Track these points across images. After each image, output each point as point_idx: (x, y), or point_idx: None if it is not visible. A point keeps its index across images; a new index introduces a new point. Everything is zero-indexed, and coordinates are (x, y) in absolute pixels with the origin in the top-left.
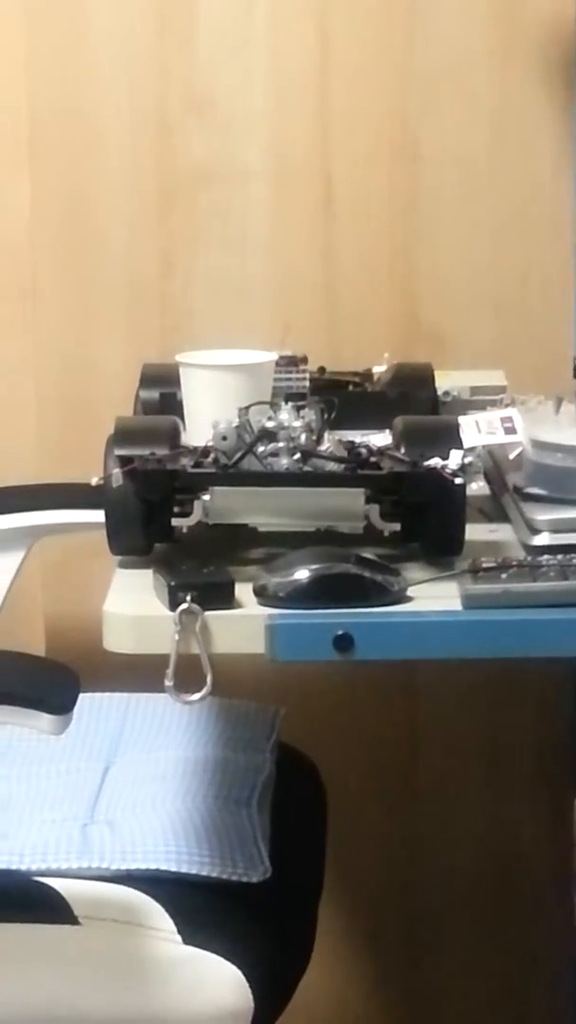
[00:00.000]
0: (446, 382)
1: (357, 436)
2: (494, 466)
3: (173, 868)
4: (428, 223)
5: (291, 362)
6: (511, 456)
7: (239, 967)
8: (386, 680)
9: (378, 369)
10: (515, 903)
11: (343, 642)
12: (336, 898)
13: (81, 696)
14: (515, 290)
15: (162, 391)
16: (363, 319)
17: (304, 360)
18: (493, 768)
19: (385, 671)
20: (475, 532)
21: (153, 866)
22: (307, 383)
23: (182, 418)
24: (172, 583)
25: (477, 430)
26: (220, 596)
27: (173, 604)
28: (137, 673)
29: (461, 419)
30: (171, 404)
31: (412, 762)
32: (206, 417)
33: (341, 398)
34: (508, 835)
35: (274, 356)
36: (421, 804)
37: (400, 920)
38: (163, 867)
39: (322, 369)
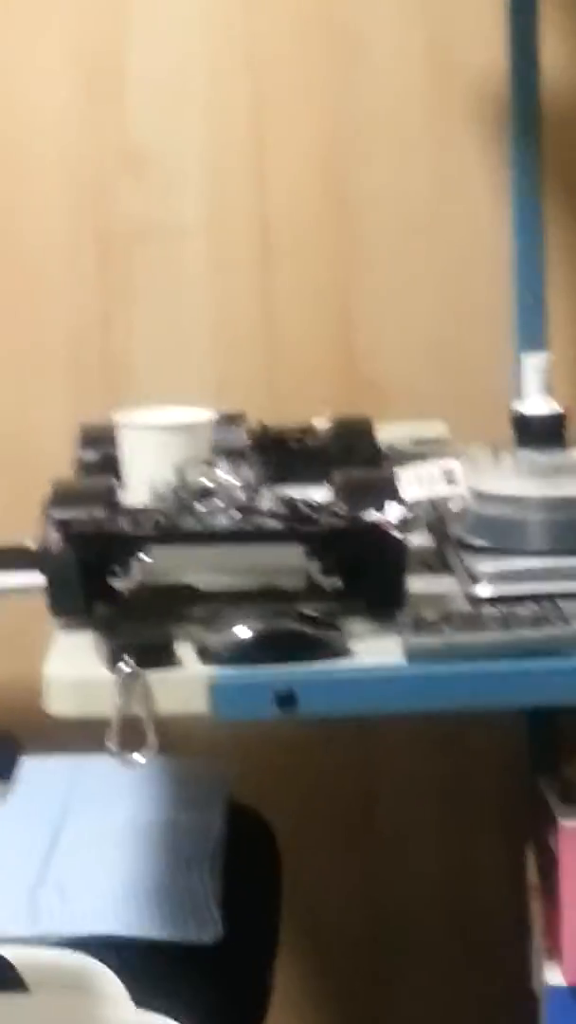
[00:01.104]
0: (387, 434)
1: (298, 491)
2: (436, 517)
3: (124, 932)
4: (366, 273)
5: (229, 419)
6: (453, 507)
7: None
8: (338, 733)
9: (319, 423)
10: (475, 953)
11: (286, 699)
12: (296, 955)
13: (28, 760)
14: (455, 339)
15: (101, 451)
16: (303, 372)
17: (242, 417)
18: (450, 817)
19: (336, 724)
20: (418, 584)
21: (104, 931)
22: (246, 439)
23: (120, 477)
24: (112, 644)
25: (418, 482)
26: (161, 656)
27: (113, 665)
28: (87, 734)
29: (402, 471)
30: (110, 463)
31: (368, 814)
32: (144, 476)
33: (282, 454)
34: (467, 885)
35: (211, 415)
36: (379, 857)
37: (361, 976)
38: (114, 931)
39: (263, 425)
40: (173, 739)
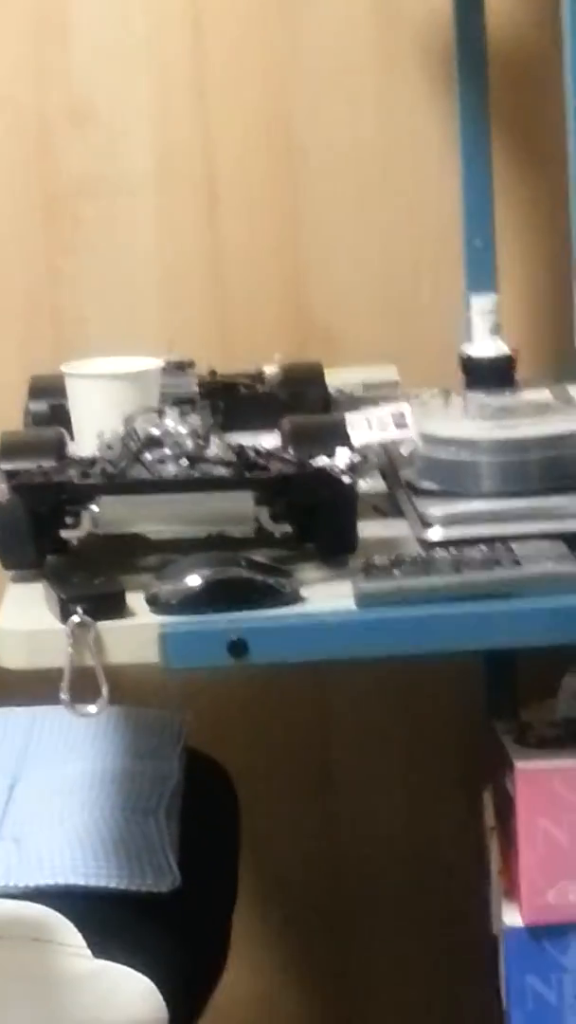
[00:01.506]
0: (337, 379)
1: (249, 438)
2: (388, 462)
3: (81, 882)
4: (316, 223)
5: (178, 367)
6: (404, 451)
7: (151, 978)
8: (293, 680)
9: (269, 370)
10: (435, 898)
11: (237, 647)
12: (255, 902)
13: None
14: (405, 286)
15: (51, 402)
16: (254, 321)
17: (191, 364)
18: (406, 761)
19: (291, 671)
20: (370, 529)
21: (61, 881)
22: (195, 388)
23: (71, 429)
24: (63, 595)
25: (368, 427)
26: (112, 606)
27: (64, 616)
28: (44, 686)
29: (352, 416)
30: (60, 415)
31: (324, 760)
32: (93, 427)
33: (231, 400)
34: (426, 830)
35: (159, 362)
36: (336, 802)
37: (322, 919)
38: (71, 882)
39: (213, 372)
40: (132, 689)
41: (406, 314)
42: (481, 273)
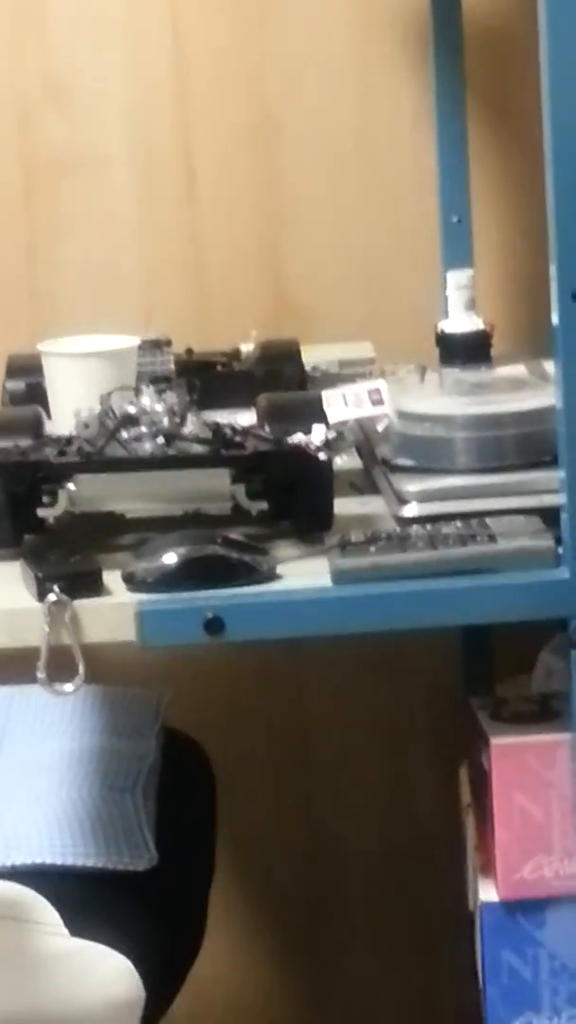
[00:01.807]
0: (314, 356)
1: (225, 416)
2: (364, 439)
3: (57, 861)
4: (293, 201)
5: (155, 345)
6: (379, 428)
7: (127, 956)
8: (270, 658)
9: (246, 347)
10: (412, 874)
11: (213, 624)
12: (233, 880)
13: None
14: (381, 261)
15: (28, 381)
16: (230, 299)
17: (168, 343)
18: (383, 738)
19: (268, 649)
20: (346, 506)
21: (37, 860)
22: (171, 366)
23: (48, 408)
24: (39, 574)
25: (344, 403)
26: (88, 585)
27: (41, 595)
28: (20, 665)
29: (328, 393)
30: (38, 394)
31: (301, 737)
32: (70, 405)
33: (208, 378)
34: (402, 805)
35: (136, 341)
36: (313, 780)
37: (299, 897)
38: (47, 860)
39: (189, 351)
40: (109, 668)
41: (382, 291)
42: (457, 248)
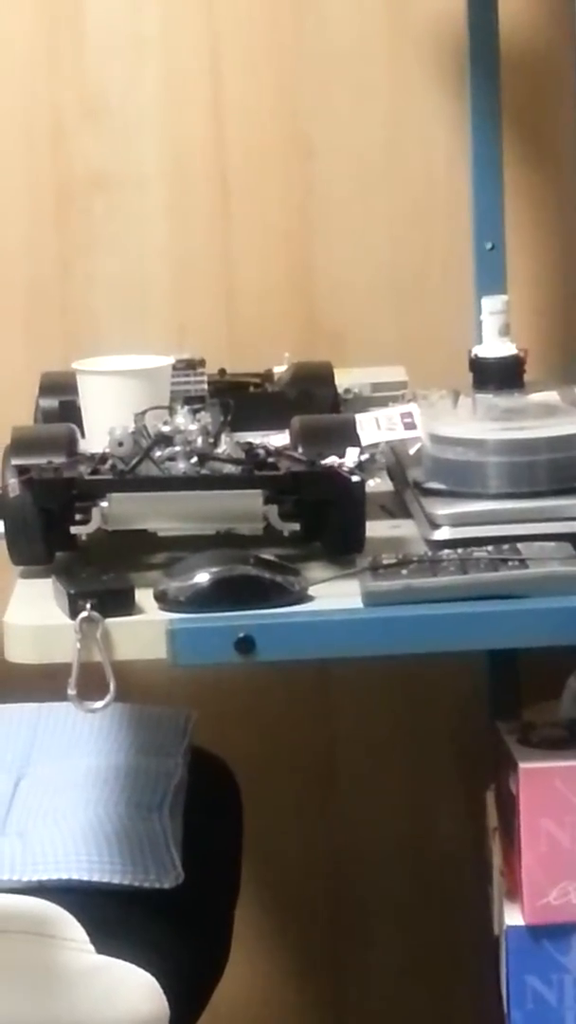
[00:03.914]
0: (347, 380)
1: (258, 437)
2: (396, 462)
3: (84, 877)
4: (325, 220)
5: (189, 365)
6: (411, 452)
7: (153, 974)
8: (298, 678)
9: (279, 369)
10: (436, 897)
11: (244, 644)
12: (256, 900)
13: None
14: (414, 285)
15: (61, 399)
16: (263, 320)
17: (202, 363)
18: (409, 760)
19: (296, 670)
20: (377, 529)
21: (64, 876)
22: (205, 386)
23: (81, 426)
24: (72, 591)
25: (377, 427)
26: (120, 603)
27: (73, 612)
28: (50, 682)
29: (360, 416)
30: (71, 412)
31: (329, 759)
32: (104, 424)
33: (241, 400)
34: (428, 828)
35: (170, 360)
36: (339, 802)
37: (323, 916)
38: (74, 877)
39: (222, 371)
40: (137, 686)
41: (415, 315)
42: (491, 274)
